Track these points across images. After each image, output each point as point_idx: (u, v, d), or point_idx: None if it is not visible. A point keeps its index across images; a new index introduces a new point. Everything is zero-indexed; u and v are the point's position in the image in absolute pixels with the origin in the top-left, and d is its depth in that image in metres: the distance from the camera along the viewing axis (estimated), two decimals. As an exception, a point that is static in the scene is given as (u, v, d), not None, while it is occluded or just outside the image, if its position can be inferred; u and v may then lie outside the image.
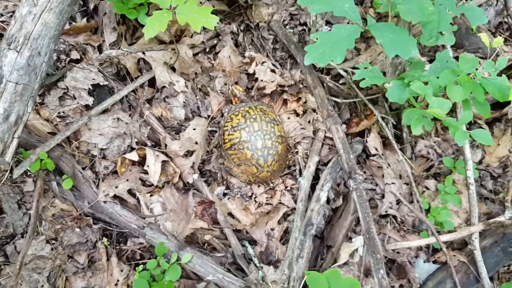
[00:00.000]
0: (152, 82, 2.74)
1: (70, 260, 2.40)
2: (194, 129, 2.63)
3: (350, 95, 2.96)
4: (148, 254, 2.35)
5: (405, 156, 2.78)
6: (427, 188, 2.87)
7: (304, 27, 3.17)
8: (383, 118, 2.74)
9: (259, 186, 2.72)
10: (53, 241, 2.37)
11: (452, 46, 2.88)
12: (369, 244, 2.24)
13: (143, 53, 2.69)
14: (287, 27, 3.14)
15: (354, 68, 2.91)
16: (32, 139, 2.34)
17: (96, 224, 2.37)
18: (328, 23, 3.20)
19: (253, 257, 2.43)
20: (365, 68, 2.52)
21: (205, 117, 2.78)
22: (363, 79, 2.44)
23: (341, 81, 3.05)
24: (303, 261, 2.29)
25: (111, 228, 2.39)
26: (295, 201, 2.67)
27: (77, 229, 2.35)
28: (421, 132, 2.25)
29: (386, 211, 2.66)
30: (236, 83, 2.94)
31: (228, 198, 2.63)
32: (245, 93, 2.80)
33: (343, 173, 2.50)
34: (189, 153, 2.58)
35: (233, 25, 3.05)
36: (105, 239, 2.35)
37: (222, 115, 2.81)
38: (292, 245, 2.38)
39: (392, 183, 2.70)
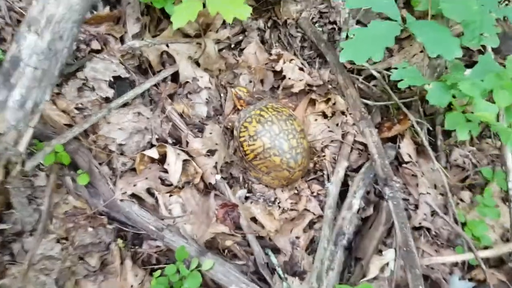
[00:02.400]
0: (175, 77, 2.60)
1: (81, 262, 2.23)
2: (210, 133, 2.47)
3: (382, 98, 2.80)
4: (165, 259, 2.21)
5: (440, 165, 2.60)
6: (462, 200, 2.68)
7: (334, 26, 3.02)
8: (418, 123, 2.57)
9: (283, 190, 2.55)
10: (63, 241, 2.19)
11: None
12: (407, 258, 2.06)
13: (167, 45, 2.55)
14: (316, 25, 3.00)
15: (388, 69, 2.75)
16: (47, 131, 2.20)
17: (110, 224, 2.23)
18: (359, 22, 3.05)
19: (277, 267, 2.26)
20: (403, 68, 2.37)
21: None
22: (401, 80, 2.29)
23: (372, 83, 2.89)
24: (334, 273, 2.12)
25: (126, 229, 2.24)
26: (322, 208, 2.51)
27: (90, 229, 2.20)
28: (467, 137, 2.10)
29: (420, 223, 2.47)
30: (251, 81, 2.79)
31: (251, 202, 2.47)
32: (250, 93, 2.61)
33: (378, 180, 2.32)
34: (211, 153, 2.42)
35: (260, 21, 2.91)
36: (119, 241, 2.21)
37: (232, 126, 2.58)
38: (321, 256, 2.21)
39: (427, 193, 2.52)
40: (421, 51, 2.85)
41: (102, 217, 2.20)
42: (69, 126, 2.26)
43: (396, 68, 2.37)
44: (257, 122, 2.38)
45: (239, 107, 2.56)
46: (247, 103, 2.52)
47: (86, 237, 2.20)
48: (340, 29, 3.01)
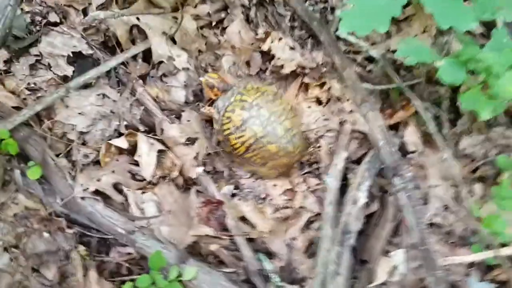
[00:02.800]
0: (147, 56, 2.24)
1: (34, 274, 1.88)
2: (188, 121, 2.12)
3: (381, 83, 2.50)
4: (138, 268, 1.90)
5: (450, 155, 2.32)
6: (472, 194, 2.40)
7: (326, 5, 2.72)
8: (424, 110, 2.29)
9: (275, 185, 2.22)
10: (13, 250, 1.88)
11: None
12: (424, 259, 1.76)
13: (138, 19, 2.20)
14: (307, 3, 2.69)
15: (383, 52, 2.47)
16: (-9, 114, 1.82)
17: (70, 228, 1.92)
18: (353, 1, 2.76)
19: (272, 274, 1.93)
20: (409, 43, 2.09)
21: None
22: (407, 58, 2.01)
23: (368, 68, 2.60)
24: (342, 279, 1.80)
25: (90, 234, 1.95)
26: (321, 205, 2.18)
27: (46, 234, 1.88)
28: (490, 116, 1.82)
29: (431, 219, 2.17)
30: (248, 62, 2.46)
31: (239, 199, 2.12)
32: (222, 79, 2.24)
33: (386, 170, 2.01)
34: (191, 141, 2.07)
35: (244, -3, 2.58)
36: (82, 248, 1.90)
37: (211, 118, 2.22)
38: (324, 259, 1.89)
39: (438, 185, 2.22)
40: (424, 31, 2.58)
41: (60, 219, 1.90)
42: (19, 109, 1.89)
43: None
44: (241, 109, 2.05)
45: (214, 97, 2.20)
46: (223, 90, 2.17)
47: (41, 244, 1.88)
48: (332, 8, 2.71)
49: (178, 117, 2.18)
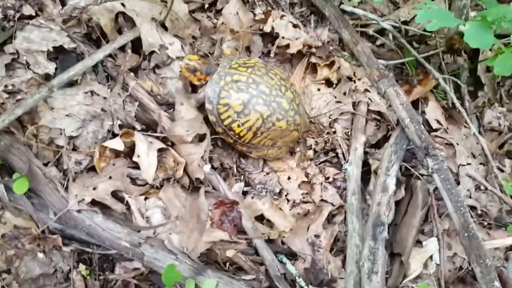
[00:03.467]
0: (136, 47, 2.00)
1: None
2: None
3: (394, 58, 2.30)
4: (148, 285, 1.72)
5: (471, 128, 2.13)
6: (501, 170, 2.22)
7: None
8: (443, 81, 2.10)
9: (289, 178, 2.01)
10: (4, 275, 1.69)
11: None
12: (470, 246, 1.56)
13: (123, 4, 1.96)
14: (305, -23, 2.47)
15: (394, 24, 2.26)
16: (-35, 124, 1.57)
17: (67, 245, 1.73)
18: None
19: (297, 277, 1.73)
20: (429, 8, 1.88)
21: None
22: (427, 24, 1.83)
23: (378, 43, 2.40)
24: (378, 278, 1.60)
25: (90, 250, 1.76)
26: (341, 196, 1.98)
27: (40, 255, 1.70)
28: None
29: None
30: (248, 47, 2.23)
31: (252, 197, 1.90)
32: (204, 59, 1.97)
33: (416, 150, 1.81)
34: (196, 138, 1.85)
35: (238, -25, 2.34)
36: (82, 267, 1.72)
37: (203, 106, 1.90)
38: (354, 256, 1.69)
39: (468, 164, 2.03)
40: (434, -2, 2.38)
41: (55, 236, 1.71)
42: (-4, 115, 1.64)
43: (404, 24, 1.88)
44: (237, 91, 1.81)
45: (198, 83, 1.94)
46: (206, 74, 1.90)
47: (35, 266, 1.70)
48: (333, -19, 2.49)
49: (178, 111, 1.94)
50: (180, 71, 1.98)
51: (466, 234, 1.58)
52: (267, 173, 2.06)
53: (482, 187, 2.09)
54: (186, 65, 1.87)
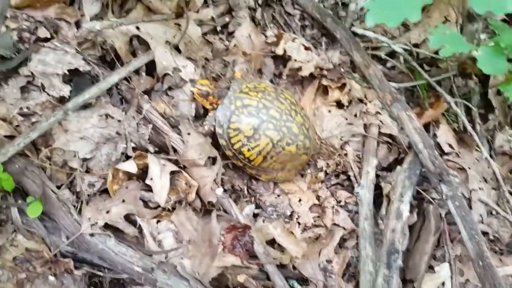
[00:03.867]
0: (150, 69, 2.02)
1: None
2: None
3: (405, 80, 2.31)
4: None
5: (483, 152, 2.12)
6: (512, 194, 2.20)
7: (337, 0, 2.53)
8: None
9: (300, 200, 2.00)
10: None
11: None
12: (484, 275, 1.55)
13: (138, 28, 1.98)
14: (316, 1, 2.48)
15: (405, 47, 2.27)
16: (-20, 147, 1.59)
17: (79, 269, 1.71)
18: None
19: (309, 303, 1.70)
20: (442, 33, 1.90)
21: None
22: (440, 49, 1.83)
23: (388, 65, 2.41)
24: (393, 307, 1.56)
25: (101, 274, 1.73)
26: (353, 220, 1.97)
27: (51, 278, 1.67)
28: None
29: (476, 227, 1.96)
30: (260, 70, 2.24)
31: (263, 220, 1.90)
32: (214, 83, 2.02)
33: (430, 176, 1.80)
34: (209, 161, 1.85)
35: (249, -3, 2.37)
36: None
37: (213, 132, 1.92)
38: (367, 283, 1.68)
39: (480, 188, 2.02)
40: (444, 21, 2.39)
41: (66, 260, 1.69)
42: (11, 138, 1.66)
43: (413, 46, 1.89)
44: (247, 116, 1.82)
45: (210, 107, 1.95)
46: (218, 97, 1.91)
47: None
48: (344, 3, 2.52)
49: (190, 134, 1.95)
50: (193, 97, 1.99)
51: (480, 263, 1.57)
52: (278, 195, 2.05)
53: (494, 212, 2.07)
54: (199, 90, 1.88)
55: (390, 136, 2.16)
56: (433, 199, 2.00)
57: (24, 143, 1.61)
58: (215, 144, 1.92)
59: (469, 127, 2.08)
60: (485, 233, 2.04)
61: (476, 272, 1.59)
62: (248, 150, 1.84)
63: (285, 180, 2.05)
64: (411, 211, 1.94)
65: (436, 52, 2.24)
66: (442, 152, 2.13)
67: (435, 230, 1.90)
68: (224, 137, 1.86)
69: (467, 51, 1.83)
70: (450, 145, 2.14)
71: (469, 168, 2.08)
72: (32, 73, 1.80)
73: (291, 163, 1.93)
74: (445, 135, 2.16)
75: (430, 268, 1.93)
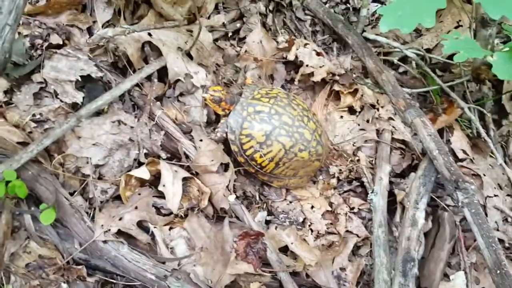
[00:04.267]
0: (162, 75, 2.01)
1: None
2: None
3: (417, 86, 2.29)
4: None
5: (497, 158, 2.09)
6: (528, 202, 2.17)
7: (348, 5, 2.52)
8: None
9: (312, 207, 1.99)
10: None
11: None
12: (503, 284, 1.52)
13: (150, 34, 1.97)
14: (327, 6, 2.48)
15: (417, 52, 2.24)
16: (-6, 153, 1.59)
17: (91, 276, 1.71)
18: (376, 0, 2.56)
19: (323, 312, 1.68)
20: (455, 38, 1.87)
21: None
22: (454, 54, 1.80)
23: (400, 70, 2.39)
24: (409, 316, 1.54)
25: (114, 281, 1.75)
26: (366, 227, 1.95)
27: (64, 285, 1.67)
28: None
29: (491, 235, 1.93)
30: (271, 76, 2.23)
31: (276, 227, 1.88)
32: (227, 89, 2.00)
33: (445, 183, 1.78)
34: (221, 168, 1.84)
35: (260, 4, 2.37)
36: None
37: (226, 139, 1.90)
38: (383, 292, 1.64)
39: (495, 195, 1.99)
40: (457, 26, 2.37)
41: (79, 267, 1.69)
42: (24, 144, 1.66)
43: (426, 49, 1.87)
44: (259, 122, 1.81)
45: (222, 113, 1.93)
46: (231, 103, 1.90)
47: None
48: (355, 9, 2.51)
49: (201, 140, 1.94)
50: (205, 103, 1.98)
51: (498, 271, 1.54)
52: (290, 202, 2.03)
53: (509, 219, 2.04)
54: (211, 96, 1.86)
55: (403, 142, 2.14)
56: (448, 206, 1.97)
57: (37, 149, 1.61)
58: (227, 150, 1.92)
59: (483, 133, 2.05)
60: (500, 241, 2.00)
61: (494, 281, 1.56)
62: (260, 156, 1.83)
63: (297, 186, 2.03)
64: (426, 218, 1.91)
65: (449, 58, 2.23)
66: (456, 159, 2.10)
67: (450, 237, 1.87)
68: (236, 143, 1.85)
69: (482, 57, 1.81)
70: (464, 151, 2.11)
71: (484, 174, 2.06)
72: (44, 79, 1.81)
73: (303, 170, 1.92)
74: (459, 141, 2.13)
75: (445, 276, 1.90)
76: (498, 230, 1.99)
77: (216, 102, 1.88)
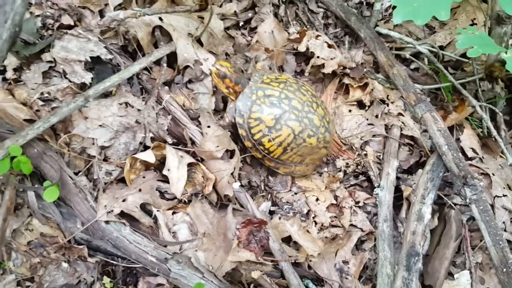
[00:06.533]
0: (171, 61, 2.00)
1: None
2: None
3: (429, 82, 2.26)
4: None
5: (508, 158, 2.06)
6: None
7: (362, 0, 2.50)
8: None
9: (317, 199, 1.96)
10: (28, 283, 1.66)
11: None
12: (509, 283, 1.49)
13: (161, 18, 1.97)
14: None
15: (430, 48, 2.21)
16: (1, 128, 1.57)
17: (92, 256, 1.72)
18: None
19: (323, 304, 1.66)
20: (470, 33, 1.84)
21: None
22: (468, 49, 1.77)
23: (412, 66, 2.36)
24: (412, 310, 1.52)
25: (115, 262, 1.75)
26: (371, 222, 1.93)
27: (65, 264, 1.68)
28: None
29: (499, 235, 1.90)
30: (281, 67, 2.22)
31: (280, 217, 1.86)
32: (235, 68, 1.91)
33: (453, 179, 1.75)
34: (226, 155, 1.82)
35: (273, -6, 2.35)
36: (106, 279, 1.69)
37: (234, 124, 1.88)
38: (385, 286, 1.63)
39: (504, 195, 1.96)
40: (471, 24, 2.34)
41: (81, 246, 1.69)
42: (31, 122, 1.66)
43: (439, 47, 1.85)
44: (269, 105, 1.79)
45: (226, 91, 1.88)
46: (235, 83, 1.84)
47: (59, 275, 1.68)
48: (368, 3, 2.49)
49: (209, 126, 1.92)
50: (214, 87, 1.97)
51: (504, 270, 1.51)
52: (295, 193, 2.01)
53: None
54: (217, 70, 1.82)
55: (412, 138, 2.12)
56: (455, 204, 1.94)
57: (43, 127, 1.60)
58: (234, 138, 1.90)
59: (494, 132, 2.02)
60: (508, 242, 1.97)
61: (500, 279, 1.54)
62: (269, 140, 1.81)
63: (303, 174, 2.01)
64: (432, 215, 1.88)
65: (462, 55, 2.20)
66: (466, 157, 2.07)
67: (456, 236, 1.84)
68: (244, 127, 1.82)
69: (496, 54, 1.78)
70: (473, 150, 2.08)
71: (493, 174, 2.02)
72: (54, 59, 1.81)
73: (310, 157, 1.90)
74: (468, 139, 2.10)
75: (450, 274, 1.87)
76: (505, 230, 1.95)
77: (220, 77, 1.82)
